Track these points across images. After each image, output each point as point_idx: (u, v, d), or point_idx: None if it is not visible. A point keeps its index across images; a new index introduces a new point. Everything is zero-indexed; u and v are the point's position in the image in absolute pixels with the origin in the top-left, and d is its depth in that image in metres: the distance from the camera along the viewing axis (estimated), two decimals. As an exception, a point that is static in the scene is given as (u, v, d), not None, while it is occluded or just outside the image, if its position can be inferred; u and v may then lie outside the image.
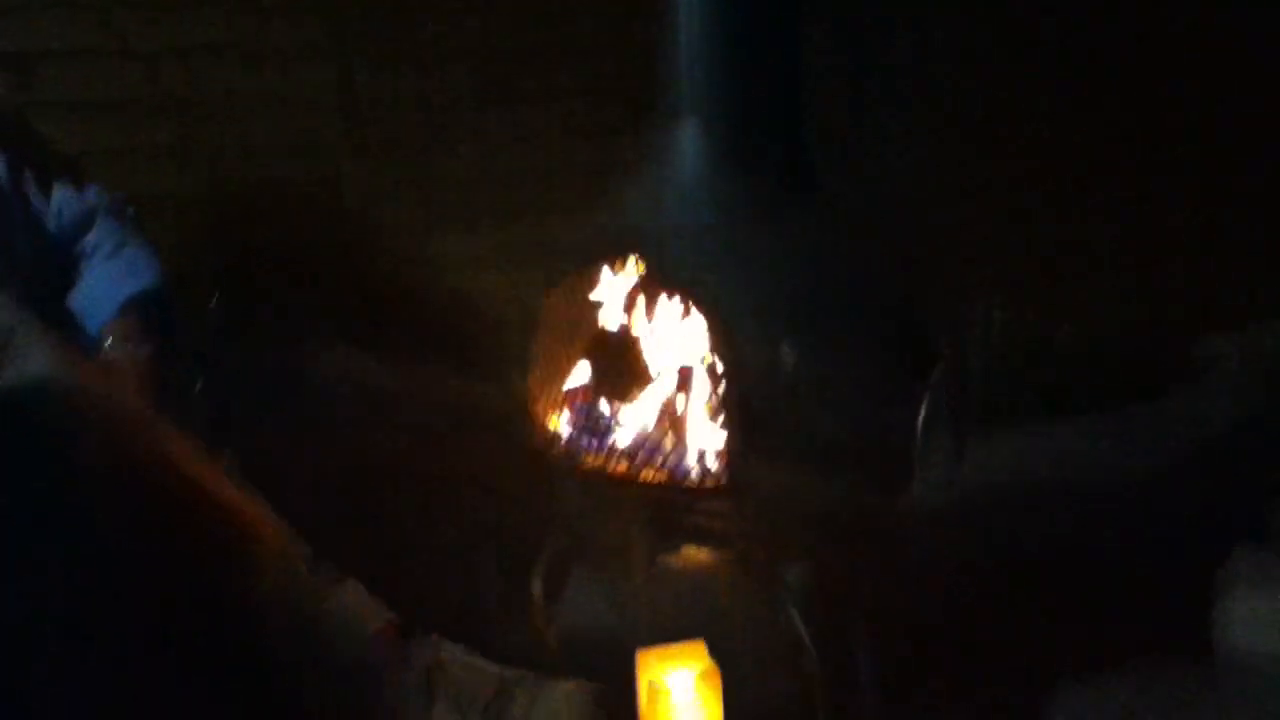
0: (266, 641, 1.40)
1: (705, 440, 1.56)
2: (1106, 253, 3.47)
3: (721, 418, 1.51)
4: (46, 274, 1.50)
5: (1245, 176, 3.55)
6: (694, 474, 1.56)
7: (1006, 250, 3.34)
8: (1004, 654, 1.95)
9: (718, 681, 1.46)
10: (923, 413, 1.45)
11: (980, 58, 3.03)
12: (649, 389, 1.65)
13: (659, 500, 1.57)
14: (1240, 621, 1.89)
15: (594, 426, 1.70)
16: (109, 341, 1.69)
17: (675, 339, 1.64)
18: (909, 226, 1.96)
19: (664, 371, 1.64)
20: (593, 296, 1.74)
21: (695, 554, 1.57)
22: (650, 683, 1.46)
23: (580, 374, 1.74)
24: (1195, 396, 3.21)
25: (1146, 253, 3.52)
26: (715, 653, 1.54)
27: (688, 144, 1.65)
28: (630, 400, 1.66)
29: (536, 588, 1.83)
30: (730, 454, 1.49)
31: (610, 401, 1.68)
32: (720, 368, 1.49)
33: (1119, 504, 2.58)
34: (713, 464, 1.53)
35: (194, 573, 1.38)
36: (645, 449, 1.62)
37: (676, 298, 1.59)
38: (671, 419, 1.61)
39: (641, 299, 1.68)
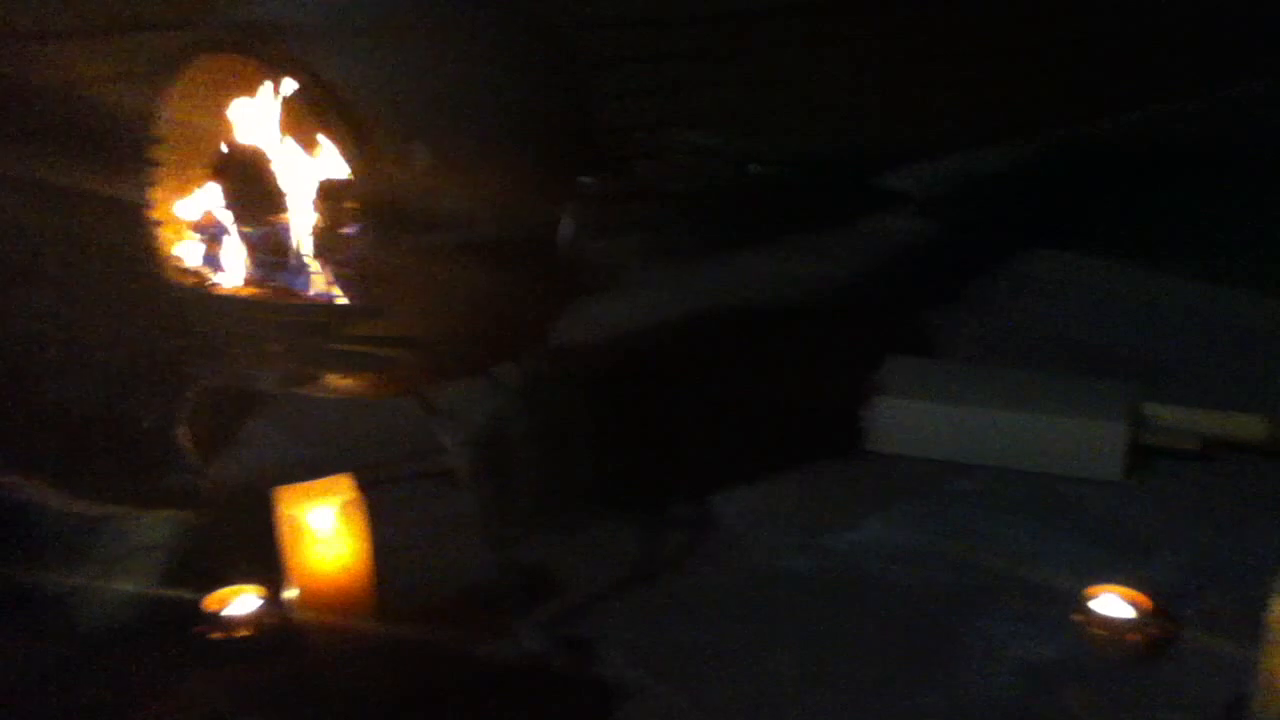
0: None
1: (343, 257, 1.44)
2: (805, 84, 3.55)
3: (358, 232, 1.39)
4: None
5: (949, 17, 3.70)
6: (332, 294, 1.44)
7: (706, 80, 3.34)
8: (676, 461, 2.02)
9: (361, 513, 1.40)
10: (565, 227, 1.39)
11: None
12: (283, 204, 1.50)
13: (298, 325, 1.45)
14: (886, 425, 2.01)
15: (225, 250, 1.54)
16: None
17: (312, 149, 1.49)
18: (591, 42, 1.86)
19: (299, 185, 1.49)
20: (222, 106, 1.55)
21: (342, 381, 1.47)
22: (290, 518, 1.39)
23: (209, 193, 1.57)
24: (883, 220, 3.40)
25: (843, 86, 3.63)
26: (367, 481, 1.48)
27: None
28: (263, 218, 1.51)
29: (183, 430, 1.69)
30: (368, 271, 1.38)
31: (241, 221, 1.52)
32: (355, 179, 1.36)
33: (799, 319, 2.71)
34: (351, 283, 1.42)
35: None
36: (281, 271, 1.49)
37: (313, 103, 1.43)
38: (307, 236, 1.48)
39: (276, 107, 1.51)
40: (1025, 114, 3.94)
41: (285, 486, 1.43)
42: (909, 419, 2.01)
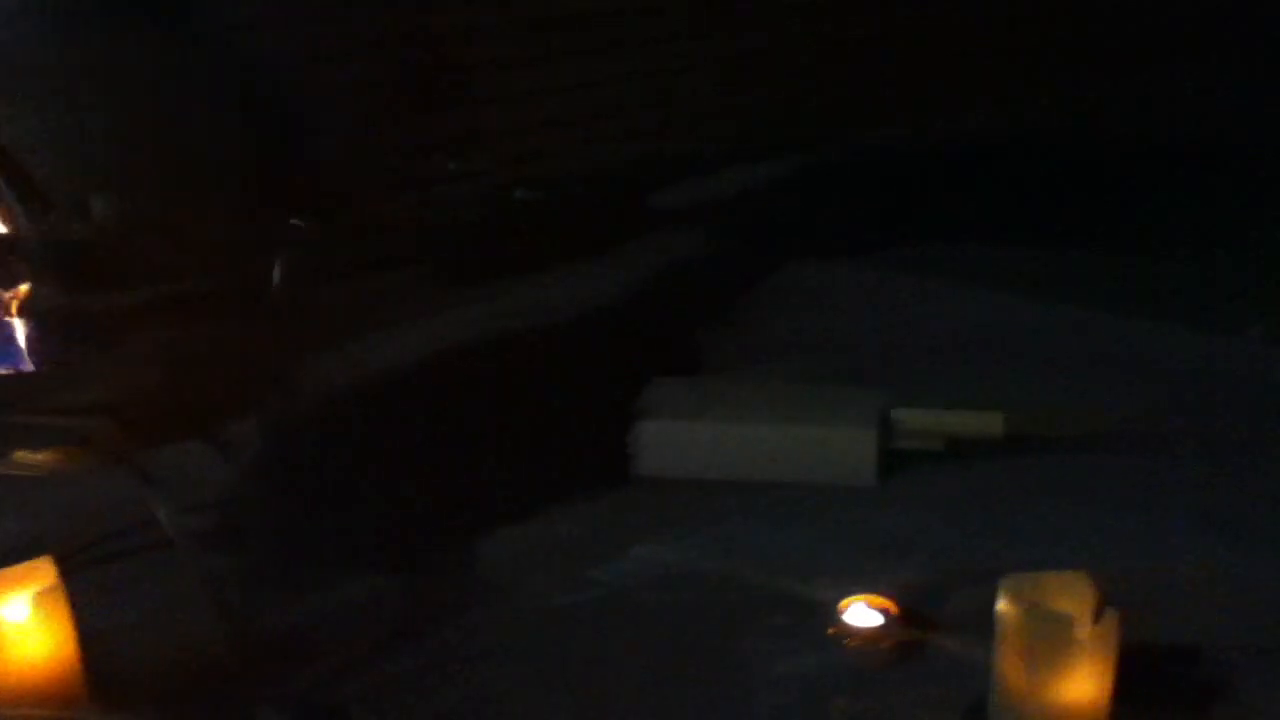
0: None
1: (26, 320, 1.31)
2: (573, 101, 3.53)
3: (35, 293, 1.26)
4: None
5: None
6: (13, 362, 1.31)
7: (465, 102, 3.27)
8: (438, 504, 1.94)
9: (61, 598, 1.27)
10: (277, 270, 1.31)
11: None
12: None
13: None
14: (651, 449, 2.00)
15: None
16: None
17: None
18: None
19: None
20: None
21: (36, 456, 1.33)
22: (-21, 613, 1.24)
23: None
24: (654, 243, 3.40)
25: (613, 101, 3.63)
26: (77, 561, 1.35)
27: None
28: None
29: None
30: (53, 335, 1.26)
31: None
32: (22, 235, 1.23)
33: (568, 346, 2.67)
34: (33, 349, 1.29)
35: None
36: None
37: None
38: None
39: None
40: (797, 128, 4.01)
41: (-27, 578, 1.27)
42: (671, 441, 2.00)
